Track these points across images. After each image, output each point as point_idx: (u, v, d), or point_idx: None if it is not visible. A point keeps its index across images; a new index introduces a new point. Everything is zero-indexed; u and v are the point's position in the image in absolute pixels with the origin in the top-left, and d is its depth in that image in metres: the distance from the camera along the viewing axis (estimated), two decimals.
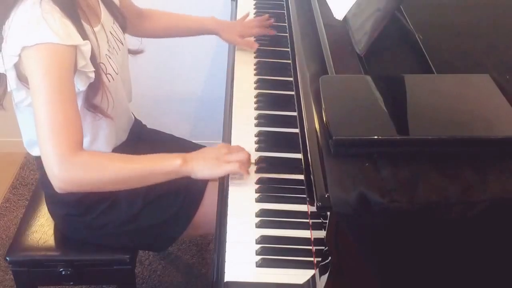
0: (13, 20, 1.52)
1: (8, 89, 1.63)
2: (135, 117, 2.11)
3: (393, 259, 1.17)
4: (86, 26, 1.64)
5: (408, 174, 1.10)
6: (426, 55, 1.37)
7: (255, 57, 2.12)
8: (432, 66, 1.34)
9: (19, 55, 1.51)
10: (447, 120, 1.18)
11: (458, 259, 1.17)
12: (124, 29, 1.91)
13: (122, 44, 1.86)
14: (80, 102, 1.64)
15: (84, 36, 1.59)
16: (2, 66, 1.56)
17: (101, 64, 1.68)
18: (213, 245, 1.60)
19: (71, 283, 1.93)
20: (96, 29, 1.70)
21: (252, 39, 2.20)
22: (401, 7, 1.53)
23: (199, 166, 1.58)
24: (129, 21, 1.97)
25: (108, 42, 1.77)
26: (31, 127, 1.72)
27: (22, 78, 1.58)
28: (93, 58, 1.62)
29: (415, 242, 1.14)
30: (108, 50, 1.75)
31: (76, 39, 1.55)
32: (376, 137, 1.13)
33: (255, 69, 2.06)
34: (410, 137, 1.15)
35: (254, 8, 2.42)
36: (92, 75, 1.62)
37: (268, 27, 2.21)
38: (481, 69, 1.34)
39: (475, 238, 1.15)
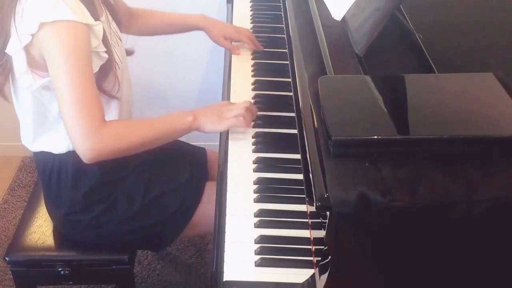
0: (29, 1, 1.53)
1: (17, 75, 1.63)
2: None
3: (394, 259, 1.17)
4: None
5: (409, 174, 1.09)
6: (427, 54, 1.37)
7: (252, 59, 2.12)
8: (433, 66, 1.33)
9: (32, 35, 1.53)
10: (449, 119, 1.18)
11: (460, 258, 1.17)
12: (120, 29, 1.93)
13: (120, 40, 1.88)
14: None
15: (96, 18, 1.62)
16: (12, 48, 1.57)
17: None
18: (211, 245, 1.59)
19: (70, 282, 1.93)
20: (102, 18, 1.72)
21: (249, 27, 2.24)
22: (401, 6, 1.52)
23: (205, 121, 1.70)
24: (123, 20, 1.99)
25: (110, 34, 1.78)
26: (32, 117, 1.72)
27: (31, 63, 1.60)
28: (105, 39, 1.66)
29: (416, 241, 1.14)
30: (112, 40, 1.77)
31: (89, 19, 1.58)
32: (376, 137, 1.13)
33: (252, 70, 2.05)
34: (411, 136, 1.14)
35: (251, 10, 2.41)
36: (105, 55, 1.66)
37: (257, 44, 2.18)
38: (484, 68, 1.33)
39: (478, 238, 1.14)
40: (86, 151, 1.58)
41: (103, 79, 1.69)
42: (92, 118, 1.55)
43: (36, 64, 1.60)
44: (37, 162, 1.88)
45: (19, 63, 1.60)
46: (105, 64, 1.68)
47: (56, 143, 1.77)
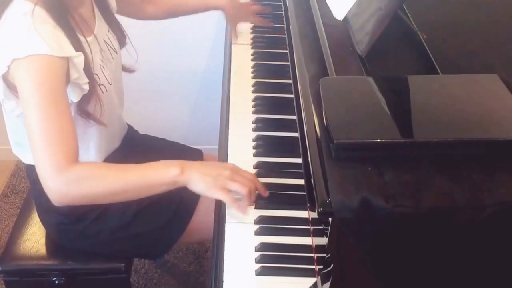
0: (2, 30, 1.48)
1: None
2: (127, 124, 2.08)
3: (398, 266, 1.16)
4: (80, 36, 1.61)
5: (413, 178, 1.08)
6: (431, 55, 1.35)
7: (252, 60, 2.11)
8: (437, 67, 1.32)
9: (8, 66, 1.47)
10: (453, 122, 1.16)
11: (466, 264, 1.16)
12: (121, 42, 1.89)
13: (116, 52, 1.83)
14: (72, 110, 1.61)
15: (77, 47, 1.56)
16: None
17: (94, 75, 1.65)
18: (210, 253, 1.57)
19: None
20: (89, 39, 1.67)
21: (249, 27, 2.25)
22: (404, 5, 1.51)
23: (195, 179, 1.49)
24: (134, 7, 2.01)
25: (101, 52, 1.73)
26: (19, 133, 1.68)
27: (11, 87, 1.54)
28: (87, 69, 1.59)
29: (421, 248, 1.12)
30: (102, 61, 1.72)
31: (68, 50, 1.52)
32: (378, 140, 1.11)
33: (252, 72, 2.04)
34: (415, 139, 1.13)
35: None
36: (86, 87, 1.59)
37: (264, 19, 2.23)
38: (488, 69, 1.31)
39: (483, 243, 1.13)
40: (49, 192, 1.49)
41: (85, 104, 1.63)
42: (58, 156, 1.46)
43: (16, 88, 1.54)
44: (28, 172, 1.86)
45: None
46: (87, 92, 1.61)
47: None
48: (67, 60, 1.51)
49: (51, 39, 1.47)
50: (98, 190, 1.51)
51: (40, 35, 1.45)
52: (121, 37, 1.89)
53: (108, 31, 1.81)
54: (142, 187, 1.53)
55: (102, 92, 1.70)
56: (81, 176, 1.49)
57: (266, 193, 1.53)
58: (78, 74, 1.55)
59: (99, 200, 1.57)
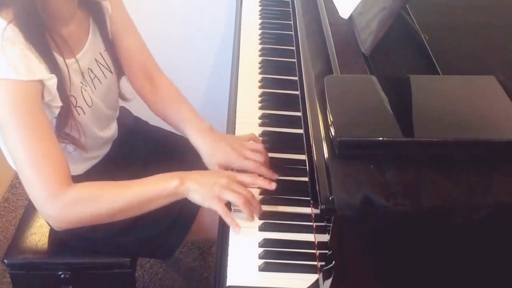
0: None
1: None
2: (135, 116, 2.09)
3: (398, 263, 1.16)
4: (58, 57, 1.54)
5: (413, 177, 1.09)
6: (432, 55, 1.36)
7: (260, 56, 2.10)
8: (437, 67, 1.32)
9: None
10: (452, 122, 1.17)
11: (463, 263, 1.16)
12: (116, 69, 1.80)
13: (111, 72, 1.78)
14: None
15: (52, 69, 1.49)
16: None
17: (71, 97, 1.59)
18: (215, 249, 1.57)
19: (70, 286, 1.90)
20: (69, 61, 1.59)
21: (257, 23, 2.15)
22: (407, 6, 1.51)
23: (193, 189, 1.49)
24: (134, 75, 1.87)
25: (88, 71, 1.67)
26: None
27: None
28: (62, 91, 1.53)
29: (420, 246, 1.13)
30: (81, 83, 1.65)
31: (39, 73, 1.45)
32: (381, 138, 1.11)
33: (259, 68, 2.04)
34: (415, 139, 1.13)
35: (260, 5, 2.40)
36: (57, 110, 1.54)
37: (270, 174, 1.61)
38: (487, 71, 1.31)
39: (480, 242, 1.13)
40: (48, 219, 1.47)
41: (62, 126, 1.57)
42: (50, 182, 1.42)
43: None
44: None
45: None
46: (62, 114, 1.55)
47: None
48: (41, 82, 1.45)
49: (19, 62, 1.40)
50: (97, 212, 1.49)
51: (7, 57, 1.38)
52: (116, 67, 1.81)
53: (104, 50, 1.75)
54: (143, 202, 1.51)
55: (79, 114, 1.64)
56: (78, 200, 1.46)
57: (260, 211, 1.49)
58: (51, 97, 1.50)
59: (100, 221, 1.54)
